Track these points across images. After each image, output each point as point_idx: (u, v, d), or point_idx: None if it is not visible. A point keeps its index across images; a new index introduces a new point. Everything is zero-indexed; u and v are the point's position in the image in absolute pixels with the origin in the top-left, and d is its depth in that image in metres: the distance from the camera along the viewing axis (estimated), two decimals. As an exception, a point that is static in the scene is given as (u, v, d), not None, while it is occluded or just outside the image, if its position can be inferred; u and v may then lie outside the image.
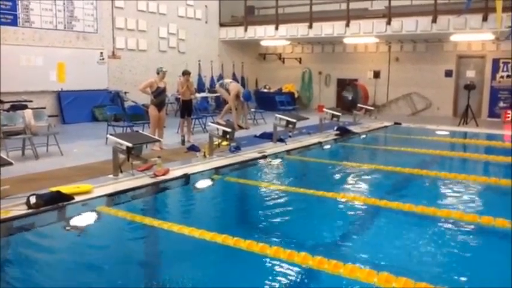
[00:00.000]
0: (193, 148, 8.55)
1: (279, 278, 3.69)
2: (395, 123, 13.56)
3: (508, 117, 14.89)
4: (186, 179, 6.63)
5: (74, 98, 13.28)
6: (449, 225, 4.99)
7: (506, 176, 7.78)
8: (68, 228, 5.02)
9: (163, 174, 6.47)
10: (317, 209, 5.71)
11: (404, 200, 5.68)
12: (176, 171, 6.82)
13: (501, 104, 15.66)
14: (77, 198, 5.39)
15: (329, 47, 18.71)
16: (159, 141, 7.96)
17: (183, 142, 9.60)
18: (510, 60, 15.37)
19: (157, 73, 9.26)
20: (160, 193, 6.28)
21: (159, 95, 9.15)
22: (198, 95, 13.75)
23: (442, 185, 6.83)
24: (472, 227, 4.96)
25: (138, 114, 11.13)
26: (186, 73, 10.13)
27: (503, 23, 11.92)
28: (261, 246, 4.14)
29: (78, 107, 13.32)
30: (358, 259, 4.00)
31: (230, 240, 4.31)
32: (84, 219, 5.16)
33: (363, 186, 6.93)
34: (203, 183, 6.76)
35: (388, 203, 5.63)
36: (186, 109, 10.10)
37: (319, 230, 4.96)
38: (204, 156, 7.98)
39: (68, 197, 5.26)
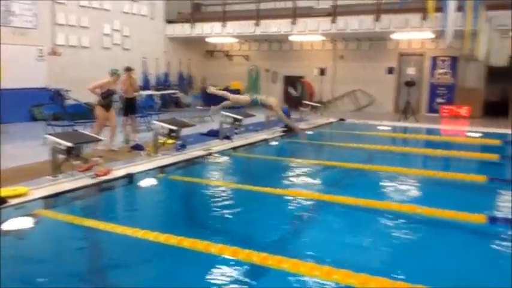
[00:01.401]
0: (138, 147, 8.36)
1: (224, 275, 3.67)
2: (340, 119, 13.86)
3: (446, 112, 15.58)
4: (130, 178, 6.46)
5: (11, 96, 12.63)
6: (391, 217, 5.14)
7: (443, 169, 8.15)
8: (1, 233, 4.76)
9: (105, 174, 6.28)
10: (264, 206, 5.72)
11: (349, 194, 5.81)
12: (119, 171, 6.63)
13: (439, 100, 16.36)
14: (12, 201, 5.12)
15: (276, 45, 18.87)
16: (100, 140, 7.68)
17: (126, 141, 9.37)
18: (447, 58, 16.08)
19: (112, 74, 8.85)
20: (103, 194, 6.08)
21: (108, 96, 8.78)
22: (143, 93, 13.47)
23: (385, 178, 7.03)
24: (413, 217, 5.13)
25: (80, 113, 10.76)
26: (128, 69, 9.84)
27: (439, 22, 12.40)
28: (206, 244, 4.09)
29: (15, 106, 12.69)
30: (303, 254, 4.05)
31: (174, 240, 4.23)
32: (20, 223, 4.90)
33: (309, 181, 7.01)
34: (147, 183, 6.61)
35: (333, 197, 5.74)
36: (130, 107, 9.85)
37: (266, 226, 4.97)
38: (149, 155, 7.82)
39: (1, 200, 4.99)
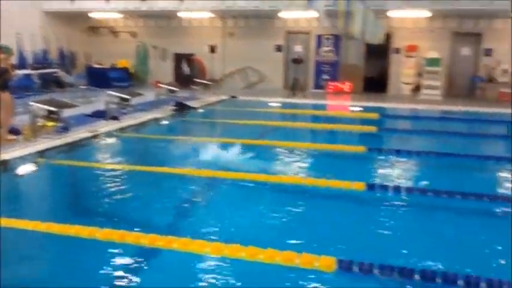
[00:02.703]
0: (14, 131, 7.66)
1: (112, 261, 3.54)
2: (232, 97, 13.97)
3: (331, 88, 16.40)
4: (4, 165, 5.92)
5: None
6: (282, 190, 5.33)
7: (329, 142, 8.60)
8: None
9: (-26, 162, 5.68)
10: (155, 186, 5.59)
11: (242, 170, 5.86)
12: (-9, 158, 6.03)
13: (325, 77, 17.14)
14: None
15: (164, 21, 18.31)
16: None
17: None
18: (331, 36, 16.84)
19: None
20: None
21: None
22: (19, 72, 12.33)
23: (276, 153, 7.22)
24: (302, 188, 5.36)
25: None
26: (-2, 46, 8.85)
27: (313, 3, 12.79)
28: (90, 230, 3.89)
29: None
30: (196, 232, 4.03)
31: (55, 228, 3.98)
32: None
33: (202, 159, 6.95)
34: (25, 169, 6.09)
35: (226, 173, 5.76)
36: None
37: (158, 207, 4.86)
38: (27, 139, 7.21)
39: None
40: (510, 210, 4.68)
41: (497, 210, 4.80)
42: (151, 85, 17.16)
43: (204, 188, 5.60)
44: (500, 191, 5.57)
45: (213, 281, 3.31)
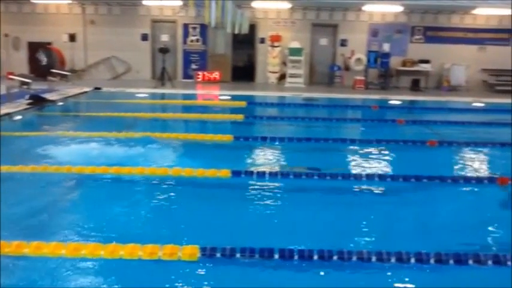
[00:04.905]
0: None
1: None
2: (96, 88, 13.26)
3: (200, 77, 16.40)
4: None
5: None
6: (149, 182, 5.19)
7: (198, 131, 8.60)
8: None
9: None
10: (5, 187, 5.07)
11: (106, 164, 5.58)
12: None
13: (193, 66, 17.07)
14: None
15: (14, 6, 16.66)
16: None
17: None
18: (197, 25, 16.79)
19: None
20: None
21: None
22: None
23: (143, 144, 6.99)
24: (169, 179, 5.29)
25: None
26: None
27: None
28: None
29: None
30: (55, 233, 3.76)
31: None
32: None
33: (61, 155, 6.48)
34: None
35: (88, 168, 5.45)
36: None
37: (7, 210, 4.41)
38: None
39: None
40: (363, 188, 5.16)
41: (352, 187, 5.22)
42: (4, 77, 15.56)
43: (61, 186, 5.23)
44: (353, 170, 6.07)
45: (74, 284, 3.11)
